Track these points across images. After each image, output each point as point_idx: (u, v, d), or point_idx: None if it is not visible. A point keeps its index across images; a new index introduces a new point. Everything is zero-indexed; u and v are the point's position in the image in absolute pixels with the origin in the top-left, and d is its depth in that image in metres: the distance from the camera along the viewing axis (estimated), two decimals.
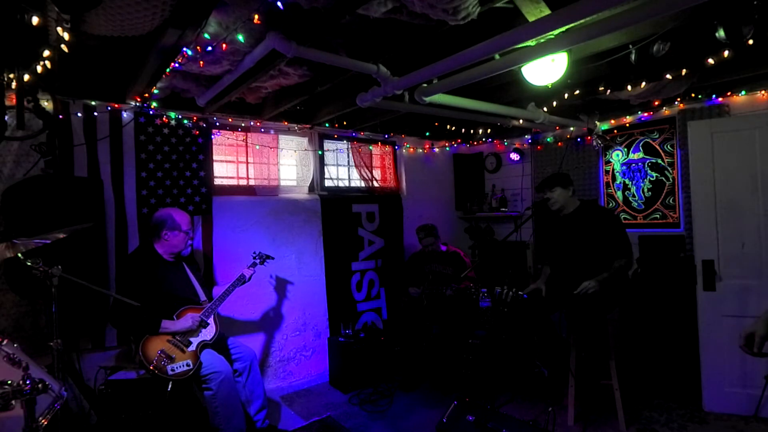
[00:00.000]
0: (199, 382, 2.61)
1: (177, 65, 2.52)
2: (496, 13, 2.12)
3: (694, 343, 3.17)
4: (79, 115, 2.98)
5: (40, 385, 1.48)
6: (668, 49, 2.31)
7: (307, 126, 4.08)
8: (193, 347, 2.62)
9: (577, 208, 3.10)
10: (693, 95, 3.48)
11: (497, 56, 2.38)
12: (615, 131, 4.13)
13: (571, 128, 4.27)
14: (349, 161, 4.58)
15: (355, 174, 4.62)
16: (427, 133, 4.75)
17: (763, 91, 3.30)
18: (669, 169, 3.87)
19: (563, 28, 1.98)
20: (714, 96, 3.46)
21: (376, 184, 4.69)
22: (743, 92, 3.35)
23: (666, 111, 3.79)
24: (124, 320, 2.59)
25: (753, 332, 1.52)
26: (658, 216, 3.95)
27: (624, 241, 2.95)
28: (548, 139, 4.60)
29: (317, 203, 4.18)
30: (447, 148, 5.30)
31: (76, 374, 2.83)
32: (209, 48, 2.31)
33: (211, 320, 2.77)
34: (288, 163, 4.21)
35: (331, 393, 3.75)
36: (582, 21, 1.90)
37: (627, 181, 4.13)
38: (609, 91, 3.11)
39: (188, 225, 2.87)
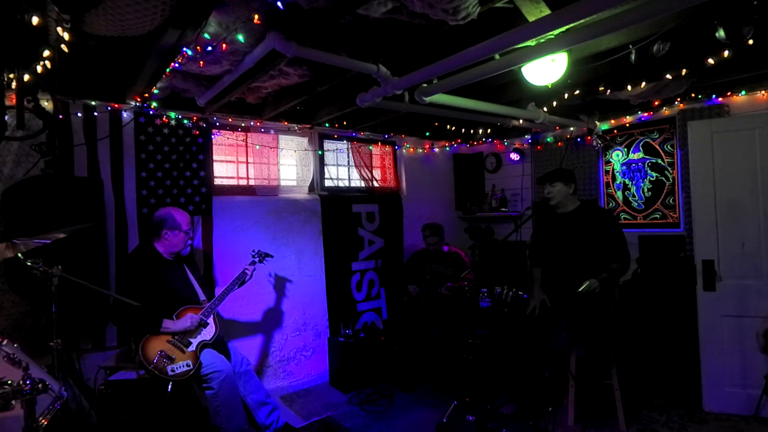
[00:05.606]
0: (199, 381, 2.61)
1: (177, 65, 2.52)
2: (496, 13, 2.12)
3: (694, 343, 3.17)
4: (79, 115, 2.98)
5: (40, 385, 1.48)
6: (668, 49, 2.32)
7: (307, 126, 4.08)
8: (192, 347, 2.62)
9: (576, 208, 3.07)
10: (693, 95, 3.48)
11: (497, 56, 2.38)
12: (615, 131, 4.13)
13: (571, 128, 4.27)
14: (349, 161, 4.58)
15: (355, 174, 4.62)
16: (427, 133, 4.75)
17: (763, 91, 3.30)
18: (669, 169, 3.86)
19: (563, 28, 1.98)
20: (714, 96, 3.46)
21: (376, 184, 4.69)
22: (743, 92, 3.35)
23: (666, 111, 3.79)
24: (124, 319, 2.58)
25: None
26: (658, 216, 3.95)
27: (622, 245, 2.91)
28: (548, 139, 4.59)
29: (317, 203, 4.18)
30: (447, 148, 5.30)
31: (76, 374, 2.82)
32: (209, 48, 2.31)
33: (210, 320, 2.77)
34: (288, 163, 4.21)
35: (331, 393, 3.75)
36: (582, 21, 1.91)
37: (627, 181, 4.13)
38: (609, 91, 3.11)
39: (188, 225, 2.87)
